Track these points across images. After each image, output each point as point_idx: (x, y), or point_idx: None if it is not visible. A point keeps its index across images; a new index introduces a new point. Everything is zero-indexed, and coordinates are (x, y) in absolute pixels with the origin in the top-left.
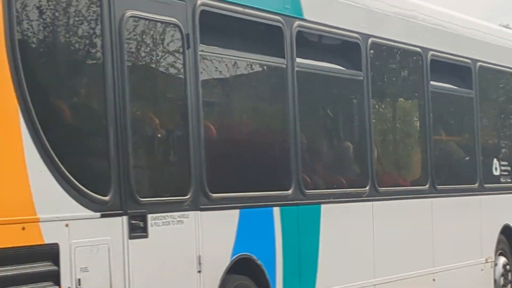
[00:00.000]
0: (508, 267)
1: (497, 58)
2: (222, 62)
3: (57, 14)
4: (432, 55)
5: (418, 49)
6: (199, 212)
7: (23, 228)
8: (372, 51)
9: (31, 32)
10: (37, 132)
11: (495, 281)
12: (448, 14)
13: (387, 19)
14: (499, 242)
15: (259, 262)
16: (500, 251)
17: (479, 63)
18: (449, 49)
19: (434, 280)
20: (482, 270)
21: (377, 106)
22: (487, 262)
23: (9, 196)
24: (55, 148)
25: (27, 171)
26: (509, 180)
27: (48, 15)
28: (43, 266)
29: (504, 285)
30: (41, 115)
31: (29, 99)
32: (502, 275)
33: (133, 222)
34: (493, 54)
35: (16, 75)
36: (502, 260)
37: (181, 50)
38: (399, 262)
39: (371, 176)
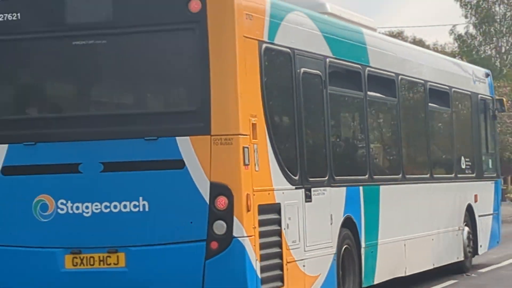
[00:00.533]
0: (469, 234)
1: (462, 85)
2: (337, 95)
3: (275, 72)
4: (430, 85)
5: (422, 81)
6: (331, 187)
7: (269, 194)
8: (399, 84)
9: (269, 82)
10: (273, 145)
11: (463, 243)
12: (439, 56)
13: (406, 62)
14: (465, 216)
15: (354, 220)
16: (465, 223)
17: (453, 89)
18: (440, 80)
19: (432, 240)
20: (457, 235)
21: (404, 121)
22: (459, 229)
23: (264, 176)
24: (280, 153)
25: (270, 164)
26: (470, 172)
27: (272, 74)
28: (274, 215)
29: (468, 246)
30: (274, 136)
31: (270, 125)
32: (467, 240)
33: (306, 192)
34: (460, 83)
35: (264, 110)
36: (466, 229)
37: (322, 90)
38: (415, 226)
39: (402, 168)
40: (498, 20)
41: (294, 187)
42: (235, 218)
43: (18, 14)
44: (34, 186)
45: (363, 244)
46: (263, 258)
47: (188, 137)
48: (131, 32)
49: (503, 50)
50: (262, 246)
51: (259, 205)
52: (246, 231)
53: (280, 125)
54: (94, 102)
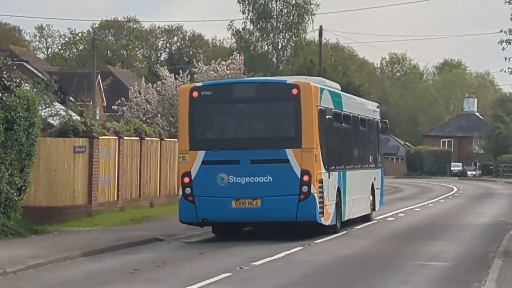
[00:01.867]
0: (372, 199)
1: (370, 114)
2: (336, 127)
3: (321, 119)
4: (360, 116)
5: (357, 115)
6: (334, 172)
7: (320, 174)
8: (356, 118)
9: (320, 124)
10: (321, 152)
11: (370, 204)
12: (362, 99)
13: (353, 105)
14: (370, 189)
15: (340, 188)
16: (371, 193)
17: (367, 117)
18: (363, 113)
19: (361, 200)
20: (368, 199)
21: (353, 138)
22: (369, 197)
23: (319, 167)
24: (322, 156)
25: (320, 161)
26: (373, 164)
27: (320, 120)
28: (321, 184)
29: (371, 206)
30: (321, 148)
31: (320, 143)
32: (371, 202)
33: (329, 174)
34: (369, 113)
35: (319, 136)
36: (371, 196)
37: (332, 125)
38: (356, 192)
39: (353, 162)
40: (274, 16)
41: (326, 171)
42: (311, 185)
43: (210, 92)
44: (218, 170)
45: (342, 200)
46: (319, 203)
47: (291, 149)
48: (264, 102)
49: (279, 47)
50: (318, 198)
51: (318, 179)
52: (316, 190)
53: (322, 143)
54: (247, 131)
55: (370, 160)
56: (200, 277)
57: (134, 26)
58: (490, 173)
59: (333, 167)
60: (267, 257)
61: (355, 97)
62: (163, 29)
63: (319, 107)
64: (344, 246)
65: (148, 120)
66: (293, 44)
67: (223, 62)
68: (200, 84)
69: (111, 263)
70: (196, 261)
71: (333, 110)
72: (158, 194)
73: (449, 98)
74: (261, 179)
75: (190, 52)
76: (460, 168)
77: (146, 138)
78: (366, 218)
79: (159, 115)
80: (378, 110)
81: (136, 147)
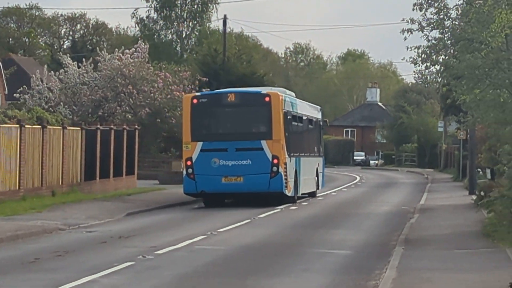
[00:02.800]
0: (317, 181)
1: (314, 115)
2: (294, 125)
3: (285, 119)
4: (309, 117)
5: (307, 116)
6: (294, 157)
7: (286, 158)
8: (306, 118)
9: (284, 122)
10: (286, 143)
11: (315, 184)
12: (308, 103)
13: (305, 108)
14: (315, 172)
15: (297, 170)
16: (316, 176)
17: (313, 117)
18: (310, 114)
19: (308, 180)
20: (314, 180)
21: (303, 133)
22: (315, 178)
23: (284, 153)
24: (287, 145)
25: (285, 149)
26: (317, 153)
27: (285, 119)
28: (285, 165)
29: (317, 185)
30: (286, 139)
31: (285, 136)
32: (316, 183)
33: (290, 158)
34: (314, 114)
35: (284, 131)
36: (316, 178)
37: (292, 123)
38: (307, 173)
39: (304, 150)
40: (178, 5)
41: (288, 157)
42: (279, 166)
43: (206, 99)
44: (212, 155)
45: (298, 178)
46: (284, 179)
47: (264, 140)
48: (245, 106)
49: (183, 35)
50: (284, 175)
51: (284, 162)
52: (282, 170)
53: (286, 136)
54: (233, 128)
55: (315, 150)
56: (101, 266)
57: (36, 14)
58: (393, 163)
59: (292, 154)
60: (170, 246)
61: (305, 102)
62: (66, 17)
63: (284, 110)
64: (247, 235)
65: (50, 109)
66: (197, 33)
67: (127, 51)
68: (198, 94)
69: (11, 253)
70: (98, 251)
71: (292, 112)
72: (60, 183)
73: (352, 88)
74: (243, 162)
75: (94, 40)
76: (363, 157)
77: (48, 127)
78: (313, 194)
79: (61, 103)
80: (320, 112)
81: (38, 136)
